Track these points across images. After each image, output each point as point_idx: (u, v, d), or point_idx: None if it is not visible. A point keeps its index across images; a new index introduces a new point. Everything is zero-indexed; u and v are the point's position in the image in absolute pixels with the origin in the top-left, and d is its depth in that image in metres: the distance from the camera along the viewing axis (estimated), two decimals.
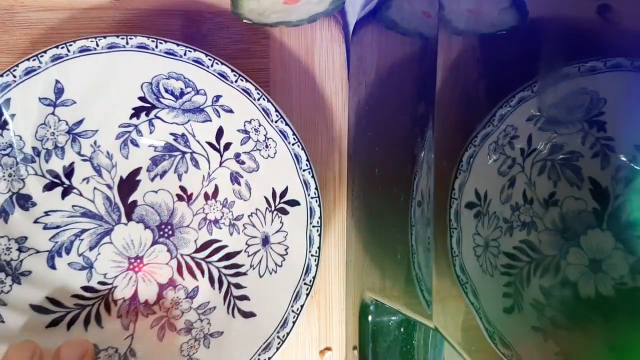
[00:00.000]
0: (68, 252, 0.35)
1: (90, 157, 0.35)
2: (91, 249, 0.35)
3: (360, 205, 0.38)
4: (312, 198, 0.35)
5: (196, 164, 0.37)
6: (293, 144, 0.34)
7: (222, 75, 0.33)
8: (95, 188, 0.35)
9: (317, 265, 0.34)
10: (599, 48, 0.29)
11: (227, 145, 0.36)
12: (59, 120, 0.34)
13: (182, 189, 0.37)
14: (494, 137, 0.29)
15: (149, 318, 0.36)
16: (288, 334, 0.34)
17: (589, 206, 0.31)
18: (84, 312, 0.35)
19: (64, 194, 0.35)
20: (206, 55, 0.33)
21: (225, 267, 0.37)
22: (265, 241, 0.36)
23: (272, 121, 0.34)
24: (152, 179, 0.36)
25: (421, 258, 0.26)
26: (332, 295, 0.41)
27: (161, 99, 0.34)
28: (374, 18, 0.36)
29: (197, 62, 0.33)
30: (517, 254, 0.31)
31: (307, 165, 0.34)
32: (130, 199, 0.36)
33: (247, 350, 0.34)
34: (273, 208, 0.36)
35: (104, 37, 0.32)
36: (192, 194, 0.37)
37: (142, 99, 0.34)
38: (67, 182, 0.35)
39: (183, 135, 0.36)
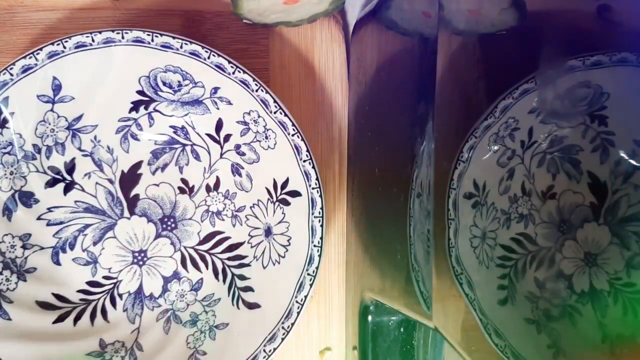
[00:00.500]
0: (72, 247, 0.35)
1: (90, 152, 0.35)
2: (95, 243, 0.36)
3: (360, 205, 0.37)
4: (313, 189, 0.35)
5: (197, 156, 0.37)
6: (293, 135, 0.34)
7: (220, 67, 0.33)
8: (97, 183, 0.36)
9: (319, 256, 0.34)
10: (599, 48, 0.29)
11: (227, 137, 0.36)
12: (58, 116, 0.33)
13: (184, 181, 0.37)
14: (495, 129, 0.28)
15: (155, 311, 0.36)
16: (293, 324, 0.34)
17: (586, 200, 0.31)
18: (90, 306, 0.35)
19: (66, 190, 0.35)
20: (202, 47, 0.32)
21: (229, 259, 0.37)
22: (268, 232, 0.36)
23: (271, 112, 0.34)
24: (154, 173, 0.36)
25: (419, 252, 0.26)
26: (332, 295, 0.41)
27: (159, 92, 0.34)
28: (374, 18, 0.36)
29: (194, 54, 0.33)
30: (514, 246, 0.31)
31: (307, 156, 0.34)
32: (132, 193, 0.36)
33: (253, 341, 0.34)
34: (275, 199, 0.36)
35: (100, 32, 0.31)
36: (193, 186, 0.37)
37: (140, 92, 0.34)
38: (68, 178, 0.35)
39: (183, 127, 0.36)
